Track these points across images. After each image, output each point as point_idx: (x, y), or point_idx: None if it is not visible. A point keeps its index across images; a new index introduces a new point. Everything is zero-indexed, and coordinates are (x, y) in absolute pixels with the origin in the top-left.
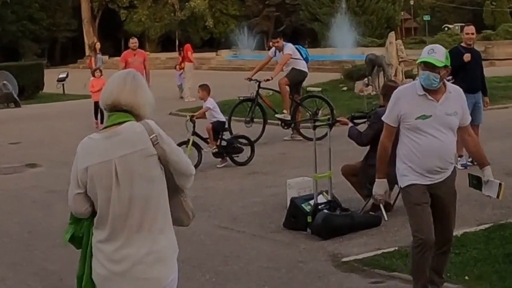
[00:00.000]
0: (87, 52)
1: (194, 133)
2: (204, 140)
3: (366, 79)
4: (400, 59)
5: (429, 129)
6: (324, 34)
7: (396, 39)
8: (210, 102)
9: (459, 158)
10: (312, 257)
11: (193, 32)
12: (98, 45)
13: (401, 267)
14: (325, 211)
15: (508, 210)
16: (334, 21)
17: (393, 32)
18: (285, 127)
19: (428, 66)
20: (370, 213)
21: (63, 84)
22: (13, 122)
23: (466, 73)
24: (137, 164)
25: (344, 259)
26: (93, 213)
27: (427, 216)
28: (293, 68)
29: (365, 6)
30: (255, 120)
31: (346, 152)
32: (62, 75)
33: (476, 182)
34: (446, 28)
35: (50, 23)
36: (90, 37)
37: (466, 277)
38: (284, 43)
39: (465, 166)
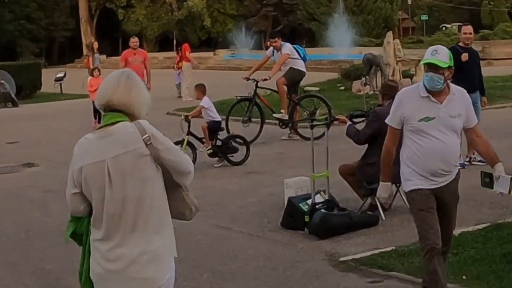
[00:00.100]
0: (85, 51)
1: (189, 133)
2: (199, 139)
3: (363, 78)
4: (398, 59)
5: (432, 131)
6: (321, 34)
7: (393, 39)
8: (205, 101)
9: None
10: (309, 256)
11: (191, 32)
12: (95, 45)
13: (399, 267)
14: (323, 210)
15: (505, 210)
16: (331, 21)
17: (390, 31)
18: (283, 127)
19: (432, 67)
20: (368, 212)
21: (60, 84)
22: (10, 121)
23: (464, 72)
24: (130, 165)
25: (342, 259)
26: (91, 212)
27: (434, 221)
28: (291, 68)
29: (363, 5)
30: (252, 119)
31: (344, 151)
32: (60, 75)
33: (489, 180)
34: (443, 28)
35: (48, 23)
36: (87, 36)
37: (464, 277)
38: (282, 42)
39: (462, 165)
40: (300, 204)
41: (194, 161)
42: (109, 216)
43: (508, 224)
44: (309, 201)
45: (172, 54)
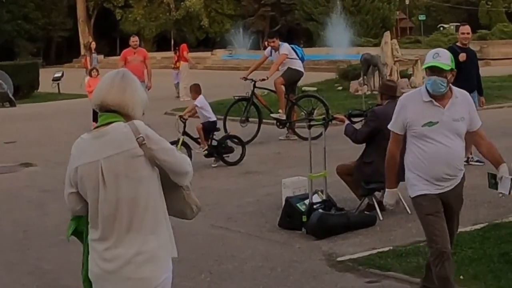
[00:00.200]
0: (82, 51)
1: (185, 133)
2: (195, 140)
3: (361, 78)
4: (395, 59)
5: (436, 136)
6: (319, 34)
7: (391, 39)
8: (199, 101)
9: None
10: (307, 256)
11: (189, 32)
12: (93, 45)
13: (396, 267)
14: (320, 210)
15: (503, 210)
16: (329, 21)
17: (388, 31)
18: (280, 127)
19: (435, 70)
20: (365, 212)
21: (58, 84)
22: (8, 121)
23: (462, 73)
24: (123, 165)
25: (339, 259)
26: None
27: (442, 225)
28: (288, 68)
29: (361, 5)
30: (250, 119)
31: (341, 151)
32: (57, 75)
33: (494, 181)
34: (441, 28)
35: (46, 23)
36: (85, 36)
37: (461, 277)
38: (280, 43)
39: None
40: (298, 204)
41: None
42: (104, 217)
43: (506, 224)
44: (307, 201)
45: (170, 54)
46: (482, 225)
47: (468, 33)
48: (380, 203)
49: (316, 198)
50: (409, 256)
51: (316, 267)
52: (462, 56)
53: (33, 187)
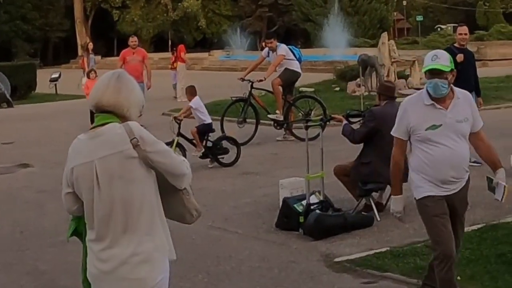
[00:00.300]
0: (80, 52)
1: (179, 134)
2: (190, 141)
3: (358, 79)
4: (393, 60)
5: (440, 139)
6: (316, 35)
7: (388, 40)
8: (194, 102)
9: None
10: (304, 257)
11: (186, 32)
12: (90, 45)
13: (393, 267)
14: (317, 211)
15: (500, 211)
16: (326, 22)
17: (385, 32)
18: (278, 128)
19: (435, 73)
20: (363, 213)
21: (55, 84)
22: (5, 122)
23: (459, 73)
24: (117, 166)
25: (336, 259)
26: None
27: (447, 228)
28: (286, 69)
29: (358, 6)
30: (247, 120)
31: (339, 152)
32: (55, 75)
33: (491, 184)
34: (438, 29)
35: (43, 23)
36: (82, 37)
37: (458, 277)
38: (277, 43)
39: None
40: (295, 205)
41: None
42: (99, 217)
43: (503, 225)
44: (304, 202)
45: (168, 54)
46: (479, 226)
47: (465, 34)
48: (377, 204)
49: (313, 199)
50: (406, 257)
51: (313, 267)
52: (460, 57)
53: (31, 188)
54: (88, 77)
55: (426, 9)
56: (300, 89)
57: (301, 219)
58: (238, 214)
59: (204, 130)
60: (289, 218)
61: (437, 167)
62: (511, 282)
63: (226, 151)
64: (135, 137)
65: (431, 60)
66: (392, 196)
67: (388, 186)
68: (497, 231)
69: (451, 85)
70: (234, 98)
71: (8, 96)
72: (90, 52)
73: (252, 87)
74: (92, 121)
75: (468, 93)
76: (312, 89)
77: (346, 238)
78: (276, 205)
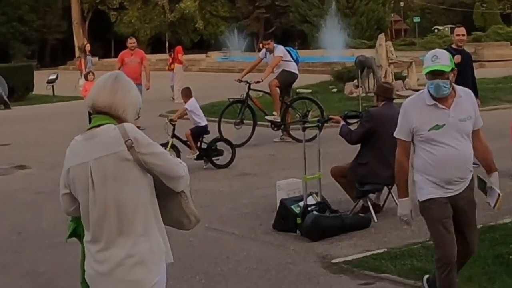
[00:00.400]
0: (77, 53)
1: (174, 136)
2: (184, 142)
3: (355, 80)
4: (390, 61)
5: (444, 139)
6: (314, 36)
7: (386, 41)
8: (189, 104)
9: None
10: (301, 258)
11: (183, 34)
12: (88, 47)
13: (390, 269)
14: (315, 212)
15: (497, 212)
16: (324, 23)
17: (383, 33)
18: (275, 129)
19: (436, 73)
20: (360, 214)
21: (52, 86)
22: (3, 123)
23: (457, 74)
24: (111, 167)
25: (334, 261)
26: None
27: (449, 232)
28: (283, 70)
29: (355, 7)
30: (245, 121)
31: (336, 153)
32: (52, 77)
33: (483, 186)
34: (436, 30)
35: (40, 25)
36: (80, 38)
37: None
38: (274, 45)
39: None
40: (292, 206)
41: None
42: (94, 218)
43: (500, 226)
44: (301, 203)
45: (165, 56)
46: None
47: (463, 35)
48: (374, 205)
49: (310, 200)
50: (403, 258)
51: (310, 269)
52: (457, 58)
53: (29, 189)
54: (86, 79)
55: (424, 10)
56: (298, 90)
57: (299, 221)
58: (236, 216)
59: (198, 133)
60: (286, 219)
61: (441, 167)
62: (509, 283)
63: (220, 153)
64: (129, 139)
65: (431, 61)
66: (398, 200)
67: (386, 188)
68: (494, 232)
69: (453, 84)
70: (231, 100)
71: (5, 97)
72: (88, 53)
73: (249, 88)
74: (90, 122)
75: (469, 90)
76: (310, 91)
77: (343, 239)
78: (273, 206)
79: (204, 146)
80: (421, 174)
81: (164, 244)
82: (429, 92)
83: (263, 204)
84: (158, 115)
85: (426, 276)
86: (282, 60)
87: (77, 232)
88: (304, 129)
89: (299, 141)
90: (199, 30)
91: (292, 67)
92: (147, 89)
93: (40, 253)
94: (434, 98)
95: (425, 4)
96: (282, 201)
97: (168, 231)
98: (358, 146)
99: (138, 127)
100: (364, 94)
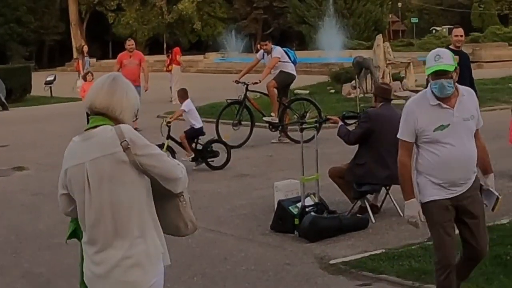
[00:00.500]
0: (75, 55)
1: (169, 137)
2: (179, 144)
3: (353, 81)
4: (388, 62)
5: (448, 139)
6: (311, 37)
7: (383, 42)
8: (186, 105)
9: None
10: (299, 259)
11: (181, 35)
12: (85, 48)
13: (388, 270)
14: (313, 213)
15: (495, 213)
16: (321, 24)
17: (380, 34)
18: (273, 130)
19: (440, 73)
20: (358, 215)
21: (50, 87)
22: (0, 125)
23: None
24: (107, 168)
25: (331, 262)
26: None
27: (450, 235)
28: (281, 71)
29: (353, 8)
30: (243, 123)
31: (333, 154)
32: (50, 78)
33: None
34: (434, 31)
35: (38, 26)
36: (77, 40)
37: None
38: (272, 46)
39: None
40: (290, 207)
41: None
42: (90, 219)
43: (498, 226)
44: (299, 204)
45: (163, 57)
46: None
47: (461, 36)
48: (372, 206)
49: (308, 201)
50: (401, 259)
51: (308, 270)
52: (455, 59)
53: (26, 191)
54: (85, 79)
55: (421, 11)
56: (295, 91)
57: (296, 221)
58: (233, 217)
59: (193, 135)
60: (284, 220)
61: (445, 168)
62: (507, 284)
63: (216, 154)
64: (125, 140)
65: (434, 60)
66: (405, 202)
67: (383, 189)
68: (492, 233)
69: (456, 83)
70: (229, 101)
71: (3, 99)
72: (85, 54)
73: (247, 89)
74: (88, 123)
75: (471, 90)
76: (307, 91)
77: (341, 240)
78: (271, 207)
79: (199, 147)
80: (423, 175)
81: (162, 245)
82: (432, 92)
83: (261, 205)
84: (156, 116)
85: None
86: (279, 61)
87: (77, 233)
88: (301, 130)
89: (297, 142)
90: (197, 31)
91: (290, 68)
92: (146, 90)
93: (38, 254)
94: (437, 98)
95: (423, 4)
96: (280, 202)
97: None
98: (356, 147)
99: (136, 129)
100: (362, 95)
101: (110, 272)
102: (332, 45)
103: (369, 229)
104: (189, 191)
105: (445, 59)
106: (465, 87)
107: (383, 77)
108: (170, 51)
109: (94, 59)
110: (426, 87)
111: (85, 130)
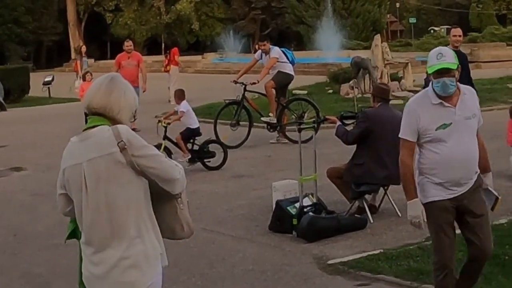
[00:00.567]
0: (73, 55)
1: (165, 137)
2: (176, 144)
3: (352, 81)
4: (386, 62)
5: (450, 138)
6: (309, 37)
7: (381, 42)
8: (184, 106)
9: None
10: (297, 259)
11: (179, 35)
12: (83, 49)
13: (386, 270)
14: (311, 213)
15: (494, 213)
16: (320, 24)
17: (378, 34)
18: (271, 130)
19: (443, 72)
20: (356, 215)
21: (48, 88)
22: None
23: None
24: (104, 168)
25: (330, 262)
26: None
27: (449, 237)
28: (279, 71)
29: (351, 8)
30: (241, 123)
31: (332, 154)
32: (48, 79)
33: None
34: (432, 31)
35: (36, 26)
36: (76, 40)
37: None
38: (270, 46)
39: None
40: (288, 207)
41: None
42: (87, 220)
43: (496, 226)
44: (297, 204)
45: (161, 57)
46: None
47: (459, 36)
48: (370, 206)
49: (306, 201)
50: (399, 259)
51: (306, 270)
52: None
53: (25, 191)
54: (84, 79)
55: (419, 11)
56: (293, 91)
57: (294, 222)
58: (232, 217)
59: (189, 135)
60: (282, 220)
61: (446, 167)
62: (505, 284)
63: (213, 155)
64: (122, 140)
65: (436, 59)
66: (407, 202)
67: (381, 189)
68: None
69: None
70: (227, 101)
71: (1, 99)
72: (83, 55)
73: (245, 89)
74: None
75: (472, 88)
76: (305, 92)
77: (339, 240)
78: (269, 207)
79: (196, 148)
80: (424, 175)
81: (160, 245)
82: (434, 91)
83: (259, 206)
84: (154, 117)
85: None
86: (278, 61)
87: (76, 233)
88: (300, 130)
89: (295, 142)
90: (195, 31)
91: (288, 69)
92: (144, 91)
93: (36, 255)
94: (439, 97)
95: (421, 5)
96: (278, 202)
97: None
98: (354, 147)
99: (134, 129)
100: (360, 95)
101: (108, 273)
102: (330, 45)
103: (367, 229)
104: (187, 192)
105: (447, 57)
106: (466, 86)
107: (381, 77)
108: (168, 51)
109: (92, 60)
110: (424, 87)
111: (83, 130)
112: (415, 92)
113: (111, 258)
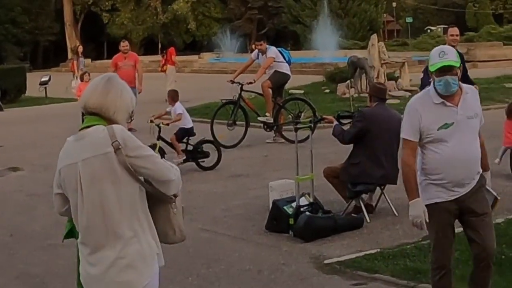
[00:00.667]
0: (70, 55)
1: (159, 138)
2: (170, 145)
3: (348, 81)
4: (383, 61)
5: (452, 138)
6: (306, 37)
7: (378, 41)
8: (179, 107)
9: None
10: (294, 259)
11: (176, 35)
12: (80, 49)
13: (383, 269)
14: (307, 213)
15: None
16: (316, 24)
17: (375, 34)
18: (268, 130)
19: (445, 69)
20: (352, 215)
21: (45, 88)
22: None
23: None
24: (99, 168)
25: (326, 261)
26: None
27: (448, 238)
28: (276, 71)
29: (348, 8)
30: (237, 123)
31: (328, 154)
32: (45, 79)
33: None
34: (428, 30)
35: (33, 27)
36: (72, 40)
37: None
38: (267, 46)
39: None
40: (285, 207)
41: None
42: (83, 220)
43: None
44: (294, 204)
45: (158, 57)
46: None
47: (457, 35)
48: (367, 206)
49: (303, 201)
50: (396, 259)
51: (303, 269)
52: None
53: (21, 191)
54: (82, 79)
55: (416, 11)
56: (290, 91)
57: (291, 221)
58: (228, 217)
59: (183, 135)
60: (279, 220)
61: (448, 167)
62: (501, 283)
63: (207, 155)
64: (116, 140)
65: (439, 57)
66: (409, 202)
67: (378, 188)
68: None
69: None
70: (224, 101)
71: None
72: (80, 55)
73: (242, 89)
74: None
75: (473, 87)
76: (302, 91)
77: (336, 240)
78: (266, 207)
79: (190, 148)
80: (426, 176)
81: (157, 245)
82: (435, 90)
83: (255, 205)
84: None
85: None
86: (274, 61)
87: (73, 233)
88: (296, 130)
89: (292, 142)
90: (192, 31)
91: (285, 68)
92: (139, 92)
93: (33, 255)
94: (441, 96)
95: (417, 4)
96: (274, 202)
97: None
98: (351, 146)
99: (130, 129)
100: (356, 95)
101: (105, 273)
102: (326, 45)
103: (363, 229)
104: (184, 191)
105: (450, 55)
106: (468, 85)
107: (377, 77)
108: (165, 51)
109: (89, 60)
110: (420, 87)
111: (79, 130)
112: (412, 91)
113: (108, 258)
